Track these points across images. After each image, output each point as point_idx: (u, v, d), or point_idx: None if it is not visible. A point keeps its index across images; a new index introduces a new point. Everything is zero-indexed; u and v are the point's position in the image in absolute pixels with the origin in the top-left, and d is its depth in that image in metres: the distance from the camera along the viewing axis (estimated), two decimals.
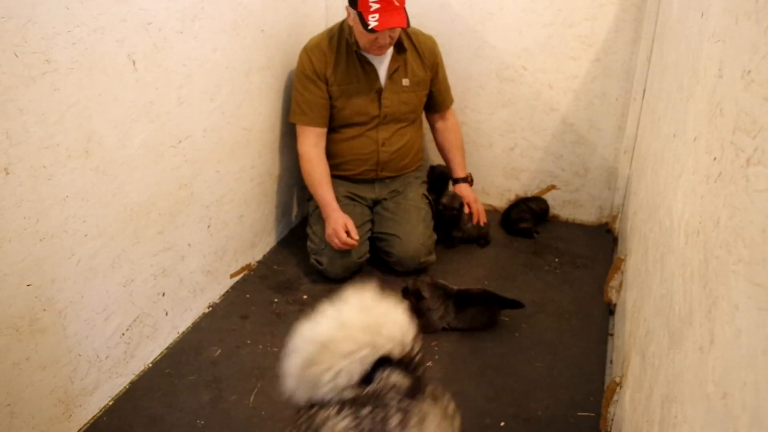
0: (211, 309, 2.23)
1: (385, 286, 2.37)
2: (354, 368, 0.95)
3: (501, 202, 2.99)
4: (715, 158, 0.88)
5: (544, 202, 2.87)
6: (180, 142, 1.93)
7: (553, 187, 2.91)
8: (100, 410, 1.76)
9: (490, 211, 2.86)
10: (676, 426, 0.86)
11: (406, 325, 1.00)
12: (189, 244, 2.06)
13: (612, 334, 2.10)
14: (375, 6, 2.12)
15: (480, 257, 2.62)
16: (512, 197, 2.98)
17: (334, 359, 0.94)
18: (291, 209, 2.84)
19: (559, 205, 2.93)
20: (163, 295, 1.97)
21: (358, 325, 0.96)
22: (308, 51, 2.37)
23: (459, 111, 2.83)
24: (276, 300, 2.29)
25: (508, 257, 2.62)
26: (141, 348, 1.90)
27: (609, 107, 2.67)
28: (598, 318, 2.20)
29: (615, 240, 2.71)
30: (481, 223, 2.65)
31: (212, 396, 1.82)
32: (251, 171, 2.40)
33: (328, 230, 2.32)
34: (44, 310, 1.51)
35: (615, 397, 1.61)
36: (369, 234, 2.50)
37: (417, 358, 1.01)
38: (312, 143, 2.42)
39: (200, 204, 2.09)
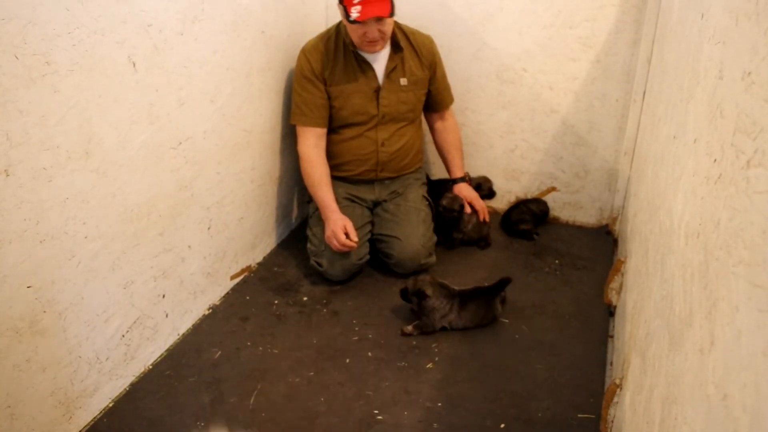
0: (211, 311, 2.23)
1: (385, 287, 2.38)
2: None
3: (501, 204, 3.00)
4: (715, 160, 0.88)
5: (545, 203, 2.88)
6: (180, 143, 1.93)
7: (553, 188, 2.91)
8: (101, 412, 1.75)
9: (491, 212, 2.85)
10: (676, 428, 0.86)
11: None
12: (189, 246, 2.06)
13: (612, 336, 2.10)
14: None
15: (480, 259, 2.62)
16: (512, 199, 2.98)
17: None
18: (291, 211, 2.84)
19: (560, 207, 2.93)
20: (164, 296, 1.97)
21: None
22: (306, 52, 2.38)
23: (459, 112, 2.83)
24: (276, 302, 2.29)
25: (509, 259, 2.62)
26: (141, 350, 1.90)
27: (609, 109, 2.67)
28: (599, 320, 2.20)
29: (615, 242, 2.71)
30: (487, 220, 2.65)
31: (212, 398, 1.82)
32: (252, 173, 2.40)
33: (327, 232, 2.32)
34: (44, 311, 1.51)
35: (615, 399, 1.61)
36: (369, 236, 2.49)
37: None
38: (312, 144, 2.42)
39: (200, 205, 2.09)
